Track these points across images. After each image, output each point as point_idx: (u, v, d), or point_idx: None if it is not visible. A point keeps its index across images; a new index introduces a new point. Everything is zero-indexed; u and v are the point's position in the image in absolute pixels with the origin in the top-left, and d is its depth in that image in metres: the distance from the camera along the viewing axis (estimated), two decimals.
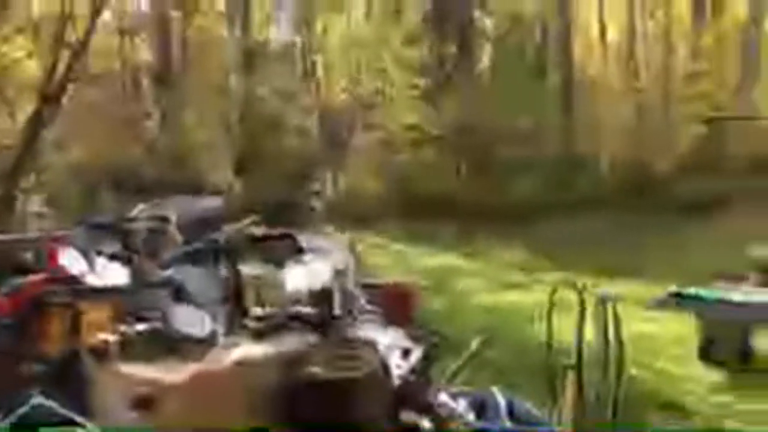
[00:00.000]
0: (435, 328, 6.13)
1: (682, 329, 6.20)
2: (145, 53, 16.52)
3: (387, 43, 16.36)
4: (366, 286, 5.60)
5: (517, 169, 14.13)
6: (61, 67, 8.74)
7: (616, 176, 14.25)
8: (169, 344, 3.44)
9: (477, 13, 16.50)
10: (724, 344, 5.57)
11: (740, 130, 14.83)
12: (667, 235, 10.76)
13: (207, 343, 3.52)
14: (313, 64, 17.67)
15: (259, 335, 3.65)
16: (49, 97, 8.48)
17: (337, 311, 4.12)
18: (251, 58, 15.97)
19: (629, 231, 11.27)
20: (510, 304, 7.61)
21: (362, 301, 5.20)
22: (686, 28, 16.37)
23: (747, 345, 5.59)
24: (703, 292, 5.84)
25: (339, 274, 5.03)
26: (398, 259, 10.56)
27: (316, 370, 3.39)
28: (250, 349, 3.56)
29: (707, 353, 5.69)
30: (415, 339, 4.71)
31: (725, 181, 13.51)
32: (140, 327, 3.51)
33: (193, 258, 4.56)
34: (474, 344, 4.56)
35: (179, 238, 4.71)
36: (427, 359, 4.43)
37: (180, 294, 4.01)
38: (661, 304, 6.30)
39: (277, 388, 3.42)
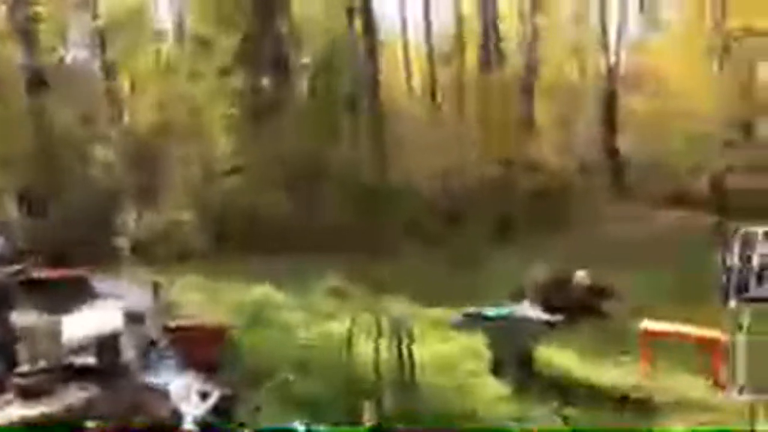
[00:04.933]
0: (245, 364, 6.00)
1: (478, 346, 6.74)
2: None
3: (200, 73, 15.94)
4: (168, 329, 5.31)
5: (335, 198, 14.46)
6: None
7: (426, 205, 15.26)
8: None
9: (290, 48, 16.82)
10: (509, 357, 6.17)
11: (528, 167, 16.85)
12: (472, 260, 11.71)
13: None
14: (116, 90, 16.60)
15: (27, 393, 3.25)
16: None
17: (126, 358, 3.85)
18: (41, 80, 14.48)
19: (442, 258, 12.09)
20: (322, 334, 7.70)
21: (161, 344, 4.92)
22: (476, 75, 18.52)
23: (528, 357, 6.26)
24: (489, 311, 6.45)
25: (134, 318, 4.71)
26: (212, 296, 10.14)
27: (94, 425, 3.11)
28: (20, 410, 3.16)
29: (496, 366, 6.26)
30: (217, 379, 4.56)
31: (518, 209, 15.25)
32: None
33: None
34: (275, 380, 4.54)
35: None
36: (229, 398, 4.32)
37: None
38: (456, 325, 6.83)
39: None
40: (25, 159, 13.93)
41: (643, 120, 17.86)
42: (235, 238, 12.81)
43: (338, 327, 7.10)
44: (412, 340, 4.35)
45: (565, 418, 5.37)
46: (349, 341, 4.39)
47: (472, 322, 6.46)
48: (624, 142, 19.25)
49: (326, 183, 14.53)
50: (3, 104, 14.31)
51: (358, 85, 16.70)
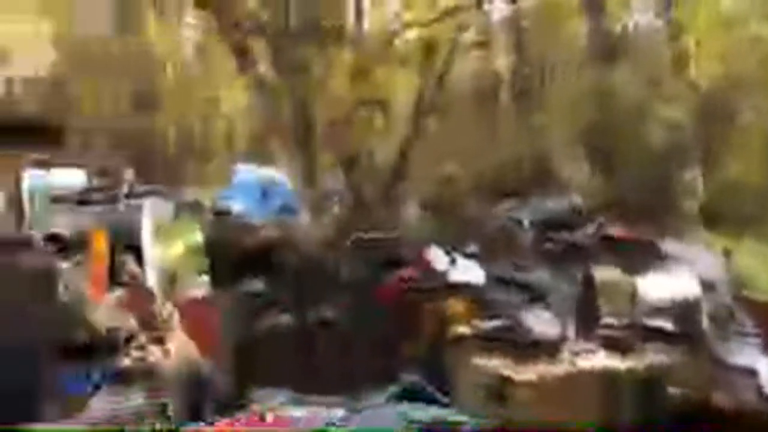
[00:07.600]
0: None
1: None
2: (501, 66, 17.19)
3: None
4: (742, 302, 4.82)
5: None
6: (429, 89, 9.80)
7: None
8: (519, 342, 3.59)
9: None
10: None
11: None
12: None
13: (555, 344, 3.56)
14: (683, 48, 15.94)
15: (611, 345, 3.50)
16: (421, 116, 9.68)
17: (704, 328, 3.65)
18: (611, 47, 15.25)
19: None
20: None
21: (739, 318, 4.50)
22: None
23: None
24: None
25: (707, 286, 4.46)
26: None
27: (677, 391, 3.08)
28: (605, 360, 3.46)
29: None
30: None
31: None
32: (494, 323, 3.75)
33: (545, 259, 4.65)
34: None
35: (530, 239, 4.86)
36: None
37: (532, 294, 4.14)
38: None
39: (632, 402, 3.25)
40: (593, 124, 15.09)
41: None
42: None
43: None
44: None
45: None
46: None
47: None
48: None
49: None
50: (574, 77, 15.83)
51: None
